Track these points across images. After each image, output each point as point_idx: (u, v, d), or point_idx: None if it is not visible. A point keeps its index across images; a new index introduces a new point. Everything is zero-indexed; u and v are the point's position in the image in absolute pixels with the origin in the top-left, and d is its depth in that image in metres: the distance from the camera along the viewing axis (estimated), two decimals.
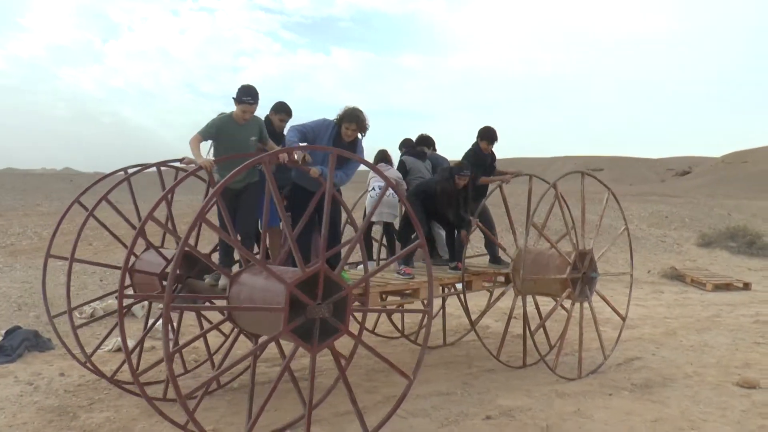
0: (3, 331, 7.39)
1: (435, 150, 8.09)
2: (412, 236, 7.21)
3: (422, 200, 6.96)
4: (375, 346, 7.15)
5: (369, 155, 7.33)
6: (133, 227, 5.38)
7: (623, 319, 7.78)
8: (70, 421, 5.18)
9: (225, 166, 5.31)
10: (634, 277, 8.68)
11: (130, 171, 6.27)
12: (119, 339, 5.17)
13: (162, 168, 6.38)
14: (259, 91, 5.38)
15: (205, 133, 5.35)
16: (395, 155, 7.78)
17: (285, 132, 5.98)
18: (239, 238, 5.32)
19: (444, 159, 7.99)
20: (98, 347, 6.47)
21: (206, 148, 5.43)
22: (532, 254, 7.11)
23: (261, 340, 4.83)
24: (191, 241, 4.68)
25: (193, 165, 5.55)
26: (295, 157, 5.27)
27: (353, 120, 5.62)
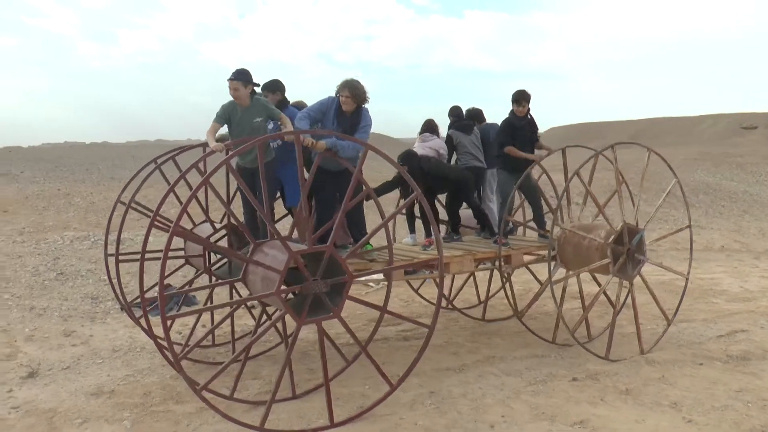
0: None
1: (484, 121, 8.08)
2: (461, 208, 7.52)
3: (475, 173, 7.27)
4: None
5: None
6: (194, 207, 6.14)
7: (686, 278, 7.68)
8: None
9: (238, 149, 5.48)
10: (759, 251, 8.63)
11: (159, 161, 6.70)
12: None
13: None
14: (248, 71, 5.64)
15: (219, 118, 5.76)
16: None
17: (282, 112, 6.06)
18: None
19: (494, 126, 7.83)
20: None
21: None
22: (578, 224, 7.05)
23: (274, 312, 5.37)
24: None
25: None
26: (304, 142, 5.32)
27: (346, 86, 5.70)
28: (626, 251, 6.63)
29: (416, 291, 9.04)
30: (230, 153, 5.36)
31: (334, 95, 5.81)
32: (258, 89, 5.93)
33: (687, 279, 7.64)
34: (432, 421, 5.00)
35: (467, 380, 5.98)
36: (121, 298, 6.74)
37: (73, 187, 19.32)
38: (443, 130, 7.80)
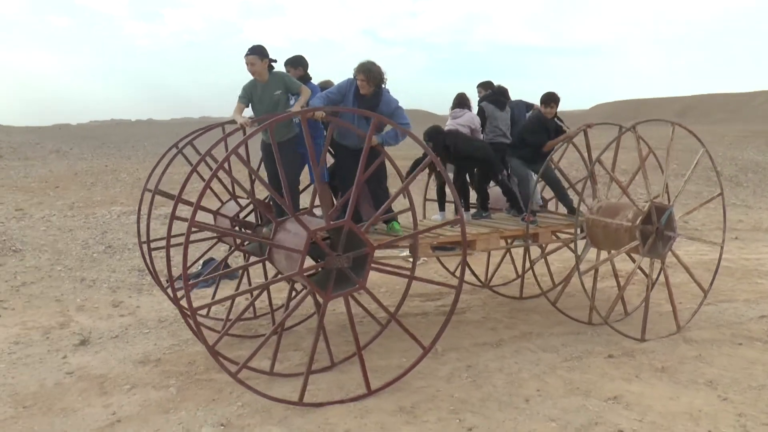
0: (202, 261, 9.04)
1: (509, 99, 7.80)
2: (490, 186, 7.50)
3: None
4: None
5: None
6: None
7: (720, 246, 7.62)
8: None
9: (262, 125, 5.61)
10: None
11: (180, 145, 6.79)
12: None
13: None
14: (263, 47, 5.71)
15: (242, 98, 5.84)
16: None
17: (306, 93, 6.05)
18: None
19: (520, 103, 7.86)
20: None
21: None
22: (605, 204, 6.96)
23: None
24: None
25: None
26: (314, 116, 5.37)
27: (361, 70, 5.68)
28: (655, 230, 6.55)
29: (452, 273, 9.04)
30: (248, 133, 5.40)
31: (352, 77, 5.82)
32: (275, 64, 5.93)
33: (722, 248, 7.52)
34: (468, 394, 5.10)
35: (504, 355, 6.05)
36: (158, 281, 6.99)
37: (119, 164, 19.87)
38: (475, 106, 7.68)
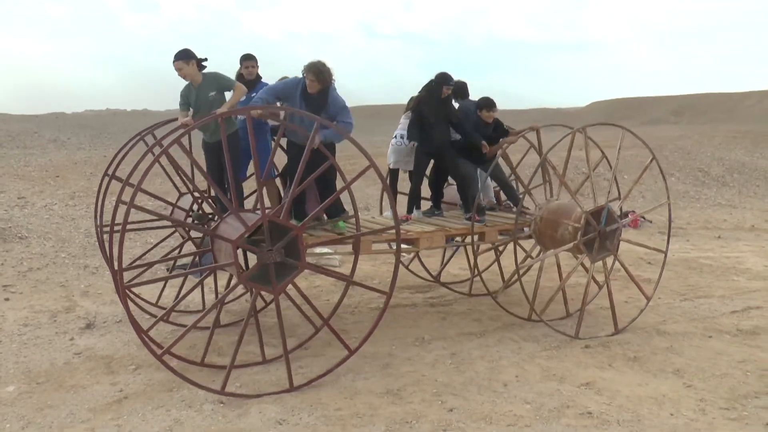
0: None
1: (467, 97, 7.84)
2: (445, 186, 7.74)
3: (426, 148, 7.18)
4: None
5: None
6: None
7: (664, 253, 7.72)
8: None
9: (202, 127, 5.91)
10: None
11: (143, 135, 6.98)
12: None
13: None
14: (188, 49, 5.81)
15: (181, 105, 6.01)
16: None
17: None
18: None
19: (473, 104, 7.64)
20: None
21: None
22: (553, 206, 6.97)
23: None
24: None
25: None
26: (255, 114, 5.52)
27: (311, 70, 5.74)
28: (598, 233, 6.63)
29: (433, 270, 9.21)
30: (182, 132, 5.47)
31: (301, 76, 5.88)
32: (205, 63, 5.98)
33: (665, 254, 7.68)
34: (450, 379, 5.48)
35: (487, 344, 6.42)
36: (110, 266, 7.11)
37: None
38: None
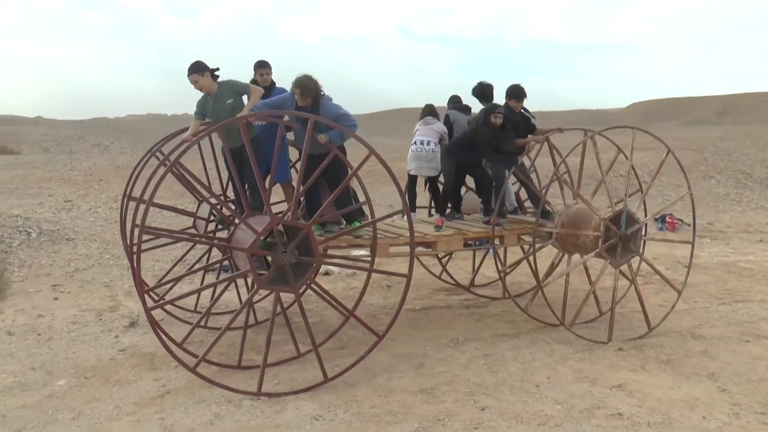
0: None
1: (492, 99, 7.78)
2: (463, 192, 7.77)
3: (457, 154, 7.24)
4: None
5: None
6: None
7: (691, 248, 7.65)
8: None
9: (224, 134, 6.01)
10: None
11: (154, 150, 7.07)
12: None
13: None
14: (199, 62, 5.94)
15: (196, 114, 6.17)
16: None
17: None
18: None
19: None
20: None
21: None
22: (573, 212, 6.93)
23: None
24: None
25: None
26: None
27: (297, 85, 5.90)
28: (619, 238, 6.62)
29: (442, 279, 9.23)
30: (184, 148, 5.55)
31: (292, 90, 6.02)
32: (217, 72, 6.10)
33: (692, 248, 7.56)
34: (483, 379, 5.56)
35: (520, 346, 6.49)
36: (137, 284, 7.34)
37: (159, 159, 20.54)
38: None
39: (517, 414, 4.83)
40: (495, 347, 6.42)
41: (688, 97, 64.89)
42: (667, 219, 13.75)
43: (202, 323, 6.34)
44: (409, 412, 4.89)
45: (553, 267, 7.49)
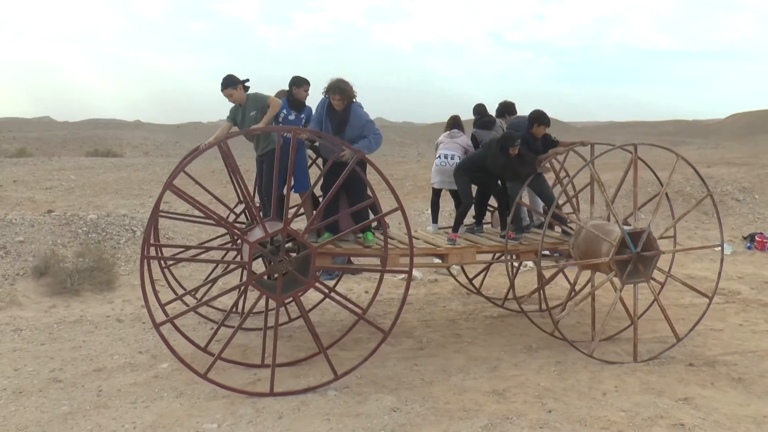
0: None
1: (515, 114, 8.04)
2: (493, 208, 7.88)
3: (471, 173, 7.21)
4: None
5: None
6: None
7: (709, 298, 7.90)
8: None
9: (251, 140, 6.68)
10: None
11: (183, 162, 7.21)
12: None
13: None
14: (231, 76, 6.45)
15: (228, 119, 6.69)
16: None
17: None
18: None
19: (523, 119, 7.64)
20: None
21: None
22: (589, 228, 6.88)
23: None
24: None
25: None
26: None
27: (336, 91, 6.13)
28: (631, 258, 6.59)
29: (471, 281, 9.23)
30: (190, 158, 6.34)
31: (324, 97, 6.34)
32: (248, 84, 6.60)
33: (722, 248, 7.44)
34: (552, 384, 5.84)
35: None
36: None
37: (251, 164, 21.53)
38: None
39: (581, 418, 5.09)
40: (566, 356, 6.66)
41: None
42: (757, 238, 13.39)
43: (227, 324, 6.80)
44: (480, 410, 5.24)
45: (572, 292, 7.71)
